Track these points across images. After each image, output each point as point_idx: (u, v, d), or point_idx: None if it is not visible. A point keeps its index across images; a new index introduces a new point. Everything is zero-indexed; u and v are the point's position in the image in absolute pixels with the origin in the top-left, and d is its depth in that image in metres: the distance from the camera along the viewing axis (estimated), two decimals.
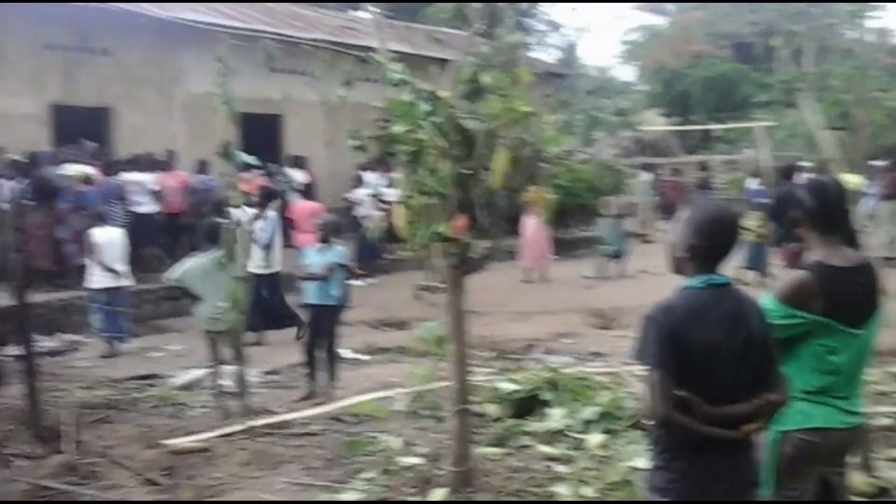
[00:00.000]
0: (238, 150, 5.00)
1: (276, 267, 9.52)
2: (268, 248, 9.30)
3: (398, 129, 3.57)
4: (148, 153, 12.96)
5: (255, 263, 9.02)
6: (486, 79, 3.68)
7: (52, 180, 10.68)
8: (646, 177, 19.77)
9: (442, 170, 3.49)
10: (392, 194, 12.83)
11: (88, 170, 11.13)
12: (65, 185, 10.75)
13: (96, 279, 9.04)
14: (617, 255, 13.24)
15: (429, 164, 3.54)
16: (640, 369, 5.54)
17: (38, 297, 8.88)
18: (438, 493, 4.23)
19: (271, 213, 9.44)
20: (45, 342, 8.81)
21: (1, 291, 7.01)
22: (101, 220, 9.33)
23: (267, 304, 9.28)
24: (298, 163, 15.03)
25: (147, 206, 11.94)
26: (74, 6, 11.90)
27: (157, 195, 12.15)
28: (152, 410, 6.74)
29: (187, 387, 7.55)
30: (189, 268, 6.76)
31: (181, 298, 9.00)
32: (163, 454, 5.41)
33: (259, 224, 9.18)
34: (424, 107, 3.43)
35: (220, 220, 7.51)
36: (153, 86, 14.11)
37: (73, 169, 10.98)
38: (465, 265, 4.01)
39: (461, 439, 4.30)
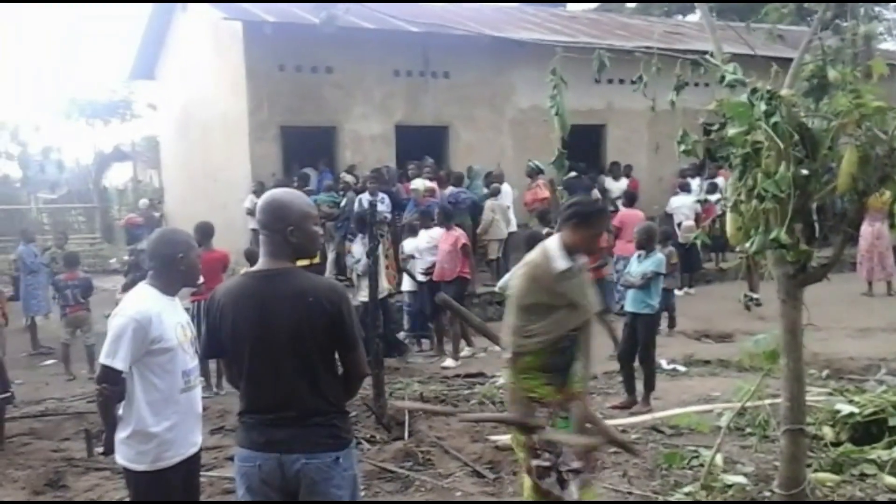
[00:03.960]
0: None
1: (382, 293, 8.86)
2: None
3: (732, 131, 3.45)
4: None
5: (362, 293, 9.06)
6: (832, 74, 3.41)
7: (399, 194, 11.89)
8: None
9: (779, 172, 3.30)
10: (715, 200, 12.34)
11: (430, 184, 12.12)
12: (412, 197, 11.85)
13: (404, 283, 10.13)
14: None
15: (765, 166, 3.36)
16: None
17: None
18: None
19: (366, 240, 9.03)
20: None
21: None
22: (413, 231, 10.24)
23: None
24: (619, 172, 14.93)
25: None
26: (421, 34, 13.03)
27: None
28: (478, 407, 7.14)
29: (504, 387, 7.89)
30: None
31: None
32: (488, 448, 5.71)
33: (357, 251, 9.18)
34: (762, 107, 3.27)
35: (542, 229, 7.80)
36: (485, 103, 14.96)
37: (419, 183, 12.03)
38: (802, 275, 3.74)
39: (793, 461, 4.02)
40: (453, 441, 5.98)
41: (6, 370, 6.87)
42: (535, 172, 13.18)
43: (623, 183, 14.49)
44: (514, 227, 12.43)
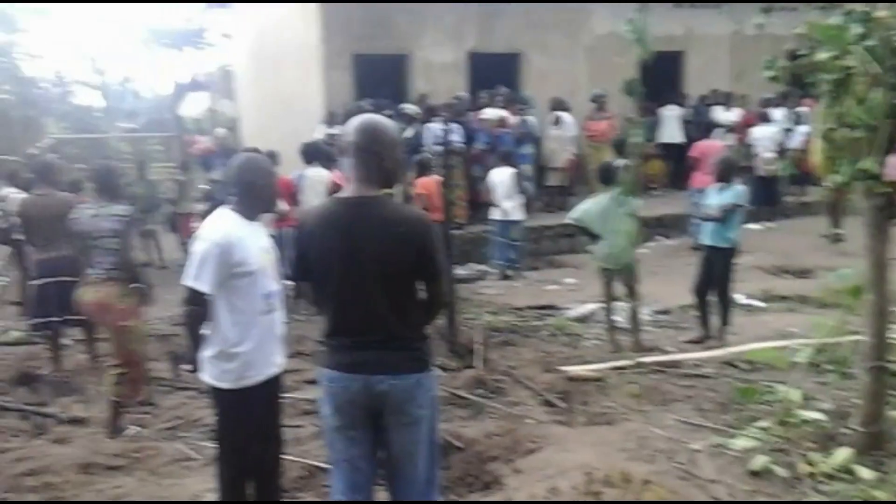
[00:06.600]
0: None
1: None
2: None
3: (823, 55, 3.28)
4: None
5: None
6: None
7: (470, 124, 11.77)
8: None
9: (873, 99, 3.14)
10: (801, 131, 11.87)
11: (503, 113, 11.95)
12: (482, 127, 11.71)
13: (492, 213, 10.14)
14: None
15: (857, 93, 3.20)
16: None
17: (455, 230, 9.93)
18: (842, 453, 3.94)
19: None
20: (459, 270, 9.84)
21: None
22: (499, 161, 10.18)
23: None
24: (730, 101, 14.04)
25: None
26: None
27: None
28: (549, 338, 7.19)
29: (581, 319, 7.90)
30: (587, 207, 7.00)
31: (577, 236, 9.41)
32: (559, 379, 5.76)
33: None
34: (856, 29, 3.10)
35: (617, 160, 7.65)
36: (560, 29, 14.52)
37: (490, 112, 11.87)
38: (892, 207, 3.60)
39: (873, 398, 3.94)
40: (524, 370, 6.05)
41: None
42: (603, 101, 12.91)
43: (734, 114, 13.64)
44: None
